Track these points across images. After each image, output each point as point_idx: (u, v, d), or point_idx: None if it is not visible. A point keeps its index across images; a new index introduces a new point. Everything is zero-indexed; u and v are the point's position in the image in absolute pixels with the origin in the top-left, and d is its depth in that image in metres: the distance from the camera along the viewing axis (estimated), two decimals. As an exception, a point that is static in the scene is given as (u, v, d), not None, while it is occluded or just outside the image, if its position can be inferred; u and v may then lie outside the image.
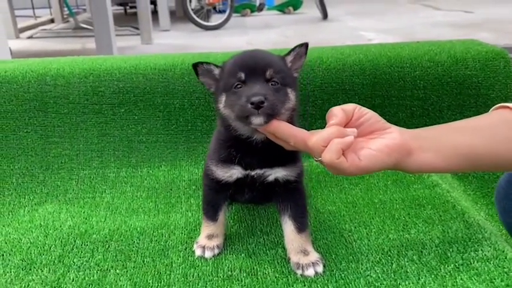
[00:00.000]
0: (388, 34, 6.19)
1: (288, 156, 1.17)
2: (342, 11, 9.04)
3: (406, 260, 1.16)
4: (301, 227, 1.18)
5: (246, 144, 1.13)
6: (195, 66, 1.14)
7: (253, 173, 1.16)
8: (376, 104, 1.74)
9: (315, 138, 0.99)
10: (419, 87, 1.74)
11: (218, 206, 1.25)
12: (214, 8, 8.43)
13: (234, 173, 1.17)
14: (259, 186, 1.18)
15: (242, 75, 1.05)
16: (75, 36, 7.19)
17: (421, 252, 1.19)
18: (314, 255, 1.16)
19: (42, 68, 1.71)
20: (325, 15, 8.18)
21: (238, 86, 1.06)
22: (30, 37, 7.20)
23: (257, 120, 1.00)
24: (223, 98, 1.09)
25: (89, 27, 7.25)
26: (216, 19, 7.80)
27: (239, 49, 1.29)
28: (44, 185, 1.62)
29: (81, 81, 1.69)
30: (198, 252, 1.24)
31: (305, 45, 1.13)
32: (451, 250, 1.19)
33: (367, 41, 5.87)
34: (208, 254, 1.23)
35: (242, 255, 1.23)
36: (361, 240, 1.26)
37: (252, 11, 9.24)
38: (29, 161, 1.67)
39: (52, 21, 8.68)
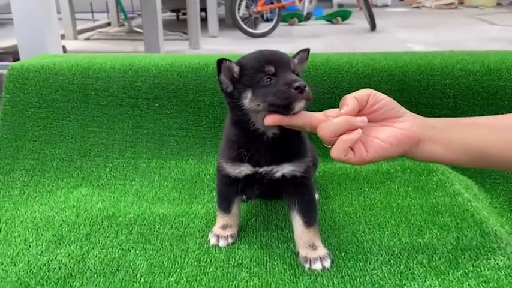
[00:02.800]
0: (437, 47, 6.04)
1: (296, 152, 1.21)
2: (391, 23, 8.91)
3: (415, 262, 1.16)
4: (309, 221, 1.21)
5: (256, 141, 1.18)
6: (220, 62, 1.15)
7: (261, 169, 1.21)
8: None
9: (324, 127, 1.02)
10: (449, 96, 1.73)
11: (231, 199, 1.31)
12: (262, 16, 8.56)
13: (243, 170, 1.23)
14: (267, 182, 1.22)
15: (272, 69, 1.09)
16: (128, 39, 7.50)
17: (432, 256, 1.19)
18: (322, 250, 1.19)
19: (87, 62, 1.84)
20: (373, 27, 8.10)
21: (267, 79, 1.09)
22: (87, 39, 7.59)
23: (299, 105, 1.04)
24: (248, 94, 1.11)
25: (141, 30, 7.53)
26: (263, 27, 7.91)
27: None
28: (81, 170, 1.74)
29: (120, 76, 1.81)
30: (212, 240, 1.30)
31: (307, 51, 1.19)
32: (462, 257, 1.18)
33: (413, 53, 5.75)
34: (222, 243, 1.28)
35: (255, 246, 1.28)
36: (373, 241, 1.27)
37: (300, 21, 9.28)
38: (69, 147, 1.79)
39: (109, 24, 9.11)
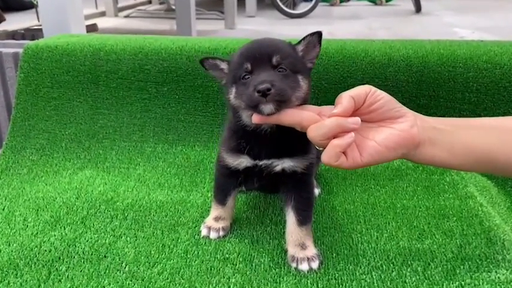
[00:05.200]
0: (486, 33, 5.69)
1: (298, 147, 1.15)
2: (439, 6, 8.49)
3: (409, 270, 1.10)
4: (302, 220, 1.16)
5: (255, 134, 1.13)
6: (202, 61, 1.15)
7: (261, 162, 1.16)
8: (421, 104, 1.63)
9: (314, 130, 0.95)
10: (472, 90, 1.60)
11: (227, 191, 1.27)
12: (303, -4, 8.37)
13: (243, 161, 1.18)
14: (267, 176, 1.17)
15: (248, 66, 1.04)
16: (166, 18, 7.54)
17: (428, 264, 1.11)
18: (311, 250, 1.14)
19: (99, 44, 1.83)
20: (418, 9, 7.75)
21: (246, 76, 1.05)
22: (127, 16, 7.69)
23: (267, 108, 0.98)
24: (233, 90, 1.09)
25: (179, 9, 7.54)
26: (302, 7, 7.73)
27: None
28: (88, 152, 1.75)
29: (130, 58, 1.79)
30: (203, 232, 1.27)
31: (317, 34, 1.07)
32: (461, 267, 1.10)
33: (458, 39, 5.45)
34: (213, 235, 1.26)
35: (245, 241, 1.25)
36: (369, 243, 1.21)
37: (342, 1, 9.02)
38: (78, 128, 1.81)
39: (150, 2, 9.19)
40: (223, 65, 1.14)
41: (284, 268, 1.13)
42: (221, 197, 1.28)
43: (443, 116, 1.62)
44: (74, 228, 1.31)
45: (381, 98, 0.97)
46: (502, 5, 8.57)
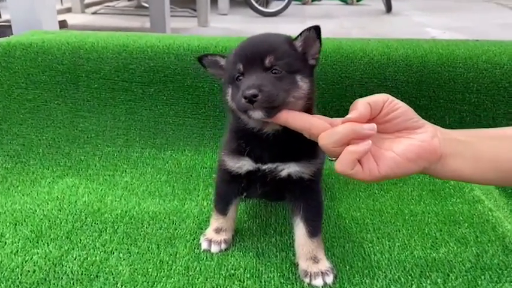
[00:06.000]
0: (456, 32, 5.79)
1: (304, 152, 1.07)
2: (408, 6, 8.62)
3: (428, 282, 1.04)
4: (313, 230, 1.08)
5: (257, 136, 1.04)
6: (200, 58, 1.08)
7: (264, 167, 1.07)
8: (421, 105, 1.58)
9: (325, 137, 0.88)
10: (472, 91, 1.57)
11: (229, 200, 1.18)
12: (275, -6, 8.31)
13: (244, 164, 1.09)
14: (271, 181, 1.09)
15: (240, 67, 0.97)
16: (135, 14, 7.33)
17: (448, 275, 1.06)
18: (325, 264, 1.06)
19: (78, 41, 1.70)
20: (389, 8, 7.83)
21: (239, 77, 0.98)
22: (94, 13, 7.43)
23: (255, 114, 0.91)
24: (229, 91, 1.02)
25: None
26: (274, 6, 7.68)
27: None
28: (68, 158, 1.62)
29: (113, 57, 1.67)
30: (204, 245, 1.18)
31: (314, 29, 0.98)
32: (482, 278, 1.04)
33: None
34: (214, 249, 1.16)
35: (250, 254, 1.16)
36: (382, 253, 1.14)
37: (313, 0, 9.03)
38: (57, 132, 1.67)
39: (118, -2, 8.93)
40: (223, 62, 1.06)
41: (297, 284, 1.05)
42: (222, 206, 1.19)
43: (443, 118, 1.60)
44: (59, 245, 1.18)
45: (398, 107, 0.91)
46: (465, 5, 8.80)
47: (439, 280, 1.04)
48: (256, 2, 7.28)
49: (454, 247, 1.16)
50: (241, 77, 0.97)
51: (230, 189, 1.17)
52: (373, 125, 0.87)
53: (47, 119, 1.68)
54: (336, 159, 0.89)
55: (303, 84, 0.97)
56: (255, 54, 0.95)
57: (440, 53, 1.59)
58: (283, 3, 7.45)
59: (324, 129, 0.90)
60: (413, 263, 1.10)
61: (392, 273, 1.07)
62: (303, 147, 1.05)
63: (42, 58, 1.68)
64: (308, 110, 0.98)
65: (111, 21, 6.65)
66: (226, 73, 1.03)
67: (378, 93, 0.94)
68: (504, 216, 1.33)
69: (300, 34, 0.99)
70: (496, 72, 1.55)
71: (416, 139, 0.90)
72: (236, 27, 6.49)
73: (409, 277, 1.05)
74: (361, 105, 0.89)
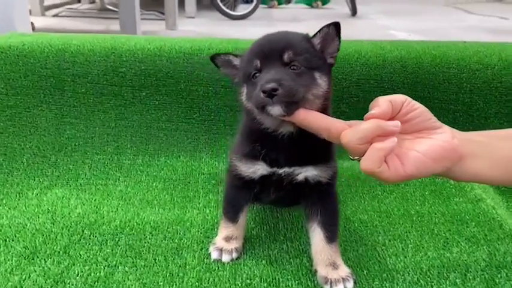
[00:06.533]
0: (421, 35, 5.95)
1: (321, 155, 1.04)
2: (372, 9, 8.80)
3: (447, 283, 1.03)
4: (331, 236, 1.06)
5: (272, 138, 1.01)
6: (213, 58, 1.06)
7: (280, 171, 1.03)
8: None
9: (349, 134, 0.86)
10: (466, 91, 1.59)
11: (240, 206, 1.14)
12: (242, -3, 8.29)
13: (258, 169, 1.05)
14: (287, 186, 1.06)
15: (257, 63, 0.94)
16: (99, 18, 7.11)
17: (465, 275, 1.06)
18: (344, 270, 1.04)
19: (62, 44, 1.61)
20: (354, 12, 7.96)
21: (256, 74, 0.95)
22: (55, 15, 7.16)
23: (274, 110, 0.88)
24: (244, 90, 0.99)
25: (114, 9, 7.19)
26: (242, 9, 7.65)
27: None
28: (56, 168, 1.52)
29: (101, 60, 1.59)
30: (214, 255, 1.13)
31: (334, 25, 0.96)
32: (499, 276, 1.05)
33: (397, 41, 5.65)
34: (225, 258, 1.12)
35: (263, 262, 1.12)
36: (397, 256, 1.13)
37: (280, 3, 9.06)
38: (41, 140, 1.57)
39: (78, 1, 8.67)
40: (237, 61, 1.04)
41: (317, 291, 1.02)
42: (232, 213, 1.14)
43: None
44: (57, 260, 1.11)
45: (417, 107, 0.89)
46: (426, 9, 9.10)
47: (457, 281, 1.04)
48: (224, 5, 7.24)
49: (466, 246, 1.17)
50: (257, 74, 0.94)
51: (241, 195, 1.13)
52: (398, 122, 0.85)
53: (30, 126, 1.58)
54: (358, 158, 0.87)
55: (321, 82, 0.95)
56: (273, 50, 0.93)
57: (433, 54, 1.61)
58: (251, 7, 7.43)
59: (343, 129, 0.88)
60: (429, 264, 1.10)
61: (411, 275, 1.06)
62: (318, 150, 1.03)
63: (23, 62, 1.58)
64: (324, 110, 0.96)
65: (74, 24, 6.43)
66: (241, 72, 1.00)
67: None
68: (505, 214, 1.35)
69: (319, 31, 0.97)
70: (488, 72, 1.58)
71: (438, 139, 0.89)
72: (205, 30, 6.42)
73: (428, 279, 1.05)
74: (382, 103, 0.87)
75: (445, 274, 1.06)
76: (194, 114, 1.62)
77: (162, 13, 6.73)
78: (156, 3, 7.78)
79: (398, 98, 0.89)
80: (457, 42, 1.75)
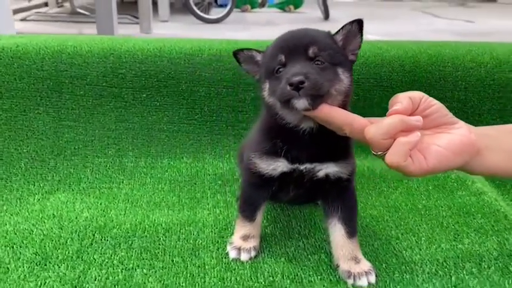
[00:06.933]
0: (394, 38, 6.10)
1: (340, 151, 1.05)
2: (344, 13, 8.94)
3: (465, 272, 1.06)
4: (351, 231, 1.07)
5: (293, 134, 1.01)
6: (236, 53, 1.06)
7: (302, 167, 1.04)
8: None
9: (373, 129, 0.87)
10: (461, 89, 1.65)
11: (257, 205, 1.14)
12: (216, 1, 8.29)
13: (279, 165, 1.05)
14: (307, 182, 1.06)
15: (282, 57, 0.95)
16: (71, 21, 6.95)
17: (480, 265, 1.09)
18: (366, 264, 1.05)
19: (58, 45, 1.57)
20: (326, 16, 8.08)
21: (280, 69, 0.95)
22: (23, 19, 6.96)
23: (300, 103, 0.89)
24: (266, 85, 0.99)
25: (85, 12, 7.06)
26: (215, 13, 7.64)
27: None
28: (56, 172, 1.48)
29: (100, 61, 1.56)
30: (232, 254, 1.12)
31: (357, 22, 0.97)
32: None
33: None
34: (244, 257, 1.11)
35: (282, 259, 1.12)
36: (412, 249, 1.16)
37: (253, 7, 9.10)
38: (39, 144, 1.52)
39: (46, 4, 8.45)
40: (259, 57, 1.04)
41: (340, 285, 1.03)
42: (250, 212, 1.14)
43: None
44: (71, 265, 1.07)
45: (434, 103, 0.93)
46: (395, 13, 9.34)
47: (473, 270, 1.07)
48: (198, 9, 7.21)
49: (476, 237, 1.20)
50: (281, 69, 0.95)
51: (259, 193, 1.13)
52: (419, 117, 0.88)
53: (26, 130, 1.53)
54: (381, 153, 0.89)
55: (344, 77, 0.96)
56: (298, 45, 0.94)
57: (429, 53, 1.65)
58: (226, 10, 7.43)
59: (366, 125, 0.89)
60: (444, 255, 1.13)
61: (429, 267, 1.08)
62: (338, 146, 1.04)
63: (18, 64, 1.53)
64: (344, 106, 0.97)
65: (44, 28, 6.26)
66: (264, 67, 1.00)
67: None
68: (508, 206, 1.40)
69: (342, 28, 0.98)
70: (481, 70, 1.64)
71: (456, 133, 0.92)
72: (181, 33, 6.37)
73: (446, 269, 1.07)
74: (403, 99, 0.90)
75: (460, 264, 1.09)
76: (196, 115, 1.61)
77: (135, 17, 6.65)
78: (129, 6, 7.69)
79: (417, 94, 0.92)
80: (449, 42, 1.81)
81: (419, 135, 0.87)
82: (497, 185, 1.57)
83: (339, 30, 0.98)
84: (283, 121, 1.00)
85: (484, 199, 1.38)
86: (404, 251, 1.15)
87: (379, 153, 0.90)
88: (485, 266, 1.08)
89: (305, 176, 1.05)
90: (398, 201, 1.38)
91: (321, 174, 1.04)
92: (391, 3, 11.58)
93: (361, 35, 0.99)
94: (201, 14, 7.20)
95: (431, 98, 0.93)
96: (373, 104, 1.62)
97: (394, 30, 6.81)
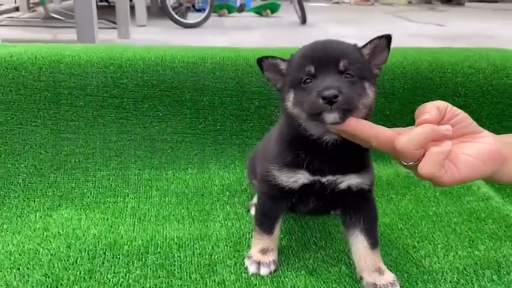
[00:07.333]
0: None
1: (361, 162, 1.05)
2: (320, 18, 9.04)
3: (486, 280, 1.06)
4: (374, 242, 1.06)
5: (316, 146, 1.00)
6: (260, 60, 1.03)
7: (324, 179, 1.03)
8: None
9: (404, 139, 0.87)
10: (461, 95, 1.67)
11: (276, 217, 1.12)
12: (193, 6, 8.24)
13: (300, 178, 1.03)
14: (329, 194, 1.05)
15: (312, 68, 0.93)
16: (45, 26, 6.78)
17: (499, 271, 1.10)
18: (390, 275, 1.04)
19: (55, 55, 1.51)
20: (304, 20, 8.14)
21: (308, 80, 0.93)
22: (-5, 24, 6.75)
23: (330, 117, 0.88)
24: (291, 96, 0.97)
25: (60, 17, 6.90)
26: (192, 17, 7.59)
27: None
28: (56, 187, 1.42)
29: (100, 71, 1.51)
30: (252, 268, 1.09)
31: (386, 38, 0.98)
32: (530, 270, 1.10)
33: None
34: (264, 271, 1.09)
35: (302, 272, 1.10)
36: (430, 257, 1.16)
37: (230, 12, 9.09)
38: (38, 158, 1.46)
39: (17, 9, 8.25)
40: (283, 65, 1.01)
41: (366, 298, 1.02)
42: (268, 225, 1.11)
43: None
44: (86, 287, 1.03)
45: (458, 113, 0.93)
46: (368, 17, 9.51)
47: (494, 277, 1.07)
48: (176, 14, 7.14)
49: (490, 243, 1.21)
50: (309, 80, 0.93)
51: (278, 206, 1.11)
52: (449, 126, 0.89)
53: (24, 143, 1.46)
54: (413, 164, 0.89)
55: (370, 92, 0.96)
56: (329, 57, 0.93)
57: (429, 59, 1.67)
58: (203, 15, 7.39)
59: (392, 137, 0.89)
60: (464, 263, 1.13)
61: (450, 276, 1.08)
62: (359, 157, 1.04)
63: (13, 74, 1.47)
64: (366, 119, 0.97)
65: (17, 34, 6.09)
66: (289, 77, 0.98)
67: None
68: (512, 210, 1.42)
69: (369, 42, 0.97)
70: (480, 76, 1.67)
71: (484, 142, 0.92)
72: (160, 38, 6.30)
73: (467, 277, 1.07)
74: (431, 108, 0.90)
75: (480, 272, 1.09)
76: (200, 125, 1.58)
77: (112, 21, 6.54)
78: (104, 11, 7.54)
79: (442, 104, 0.92)
80: (444, 48, 1.83)
81: (451, 144, 0.87)
82: (497, 189, 1.60)
83: (366, 44, 0.98)
84: (306, 133, 0.99)
85: (492, 204, 1.40)
86: (423, 260, 1.15)
87: (410, 163, 0.89)
88: (505, 273, 1.09)
89: (327, 187, 1.03)
90: (408, 209, 1.38)
91: (343, 186, 1.03)
92: (363, 8, 11.80)
93: (388, 51, 0.99)
94: (179, 18, 7.15)
95: (455, 108, 0.94)
96: (376, 111, 1.61)
97: (371, 34, 6.87)
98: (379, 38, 0.97)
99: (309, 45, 0.98)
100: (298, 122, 0.98)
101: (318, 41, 0.99)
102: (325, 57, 0.93)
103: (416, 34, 7.03)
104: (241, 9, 9.00)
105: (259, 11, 9.33)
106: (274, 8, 9.30)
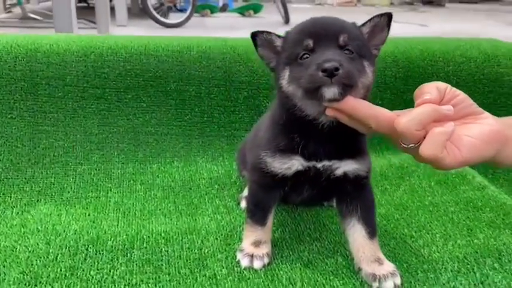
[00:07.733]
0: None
1: (357, 147, 1.00)
2: (303, 18, 8.96)
3: (488, 268, 1.03)
4: (372, 231, 1.01)
5: (311, 128, 0.94)
6: (254, 35, 0.97)
7: (319, 165, 0.97)
8: (408, 99, 1.56)
9: (405, 119, 0.82)
10: (452, 84, 1.57)
11: (268, 208, 1.06)
12: (175, 6, 8.14)
13: (294, 164, 0.98)
14: (324, 182, 1.00)
15: (310, 43, 0.88)
16: (22, 27, 6.62)
17: (500, 259, 1.06)
18: (389, 265, 1.00)
19: (32, 43, 1.43)
20: (287, 20, 8.12)
21: (305, 56, 0.89)
22: (-30, 26, 6.56)
23: (330, 92, 0.83)
24: (286, 73, 0.92)
25: (37, 17, 6.75)
26: (174, 17, 7.50)
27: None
28: (34, 182, 1.34)
29: (79, 60, 1.44)
30: (244, 262, 1.03)
31: (387, 16, 0.93)
32: (531, 256, 1.07)
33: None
34: (257, 264, 1.03)
35: (297, 264, 1.05)
36: (429, 247, 1.11)
37: (212, 12, 9.02)
38: (14, 152, 1.38)
39: (-7, 9, 8.04)
40: (279, 42, 0.96)
41: (365, 289, 0.97)
42: (260, 215, 1.06)
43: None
44: (66, 284, 0.96)
45: (458, 93, 0.90)
46: (353, 17, 9.37)
47: (495, 265, 1.04)
48: (158, 14, 7.05)
49: (489, 232, 1.18)
50: (307, 55, 0.88)
51: (270, 195, 1.05)
52: (450, 107, 0.86)
53: (-1, 137, 1.38)
54: (413, 146, 0.85)
55: (369, 71, 0.91)
56: (329, 31, 0.88)
57: (420, 48, 1.65)
58: (185, 15, 7.31)
59: (392, 118, 0.85)
60: (463, 252, 1.09)
61: (450, 265, 1.04)
62: (355, 142, 0.99)
63: (-14, 64, 1.38)
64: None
65: (-5, 34, 5.92)
66: (285, 53, 0.93)
67: None
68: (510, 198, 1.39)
69: (369, 20, 0.93)
70: (471, 65, 1.65)
71: (485, 123, 0.89)
72: (142, 38, 6.20)
73: (468, 266, 1.03)
74: (431, 89, 0.87)
75: (481, 260, 1.06)
76: (186, 116, 1.52)
77: (91, 21, 6.41)
78: (82, 11, 7.41)
79: (441, 84, 0.89)
80: (436, 37, 1.81)
81: (453, 124, 0.84)
82: (490, 179, 1.57)
83: (366, 22, 0.94)
84: (302, 113, 0.93)
85: (488, 193, 1.37)
86: (422, 249, 1.11)
87: (411, 145, 0.85)
88: (506, 261, 1.06)
89: (322, 174, 0.98)
90: (404, 199, 1.34)
91: (339, 172, 0.98)
92: (346, 9, 11.85)
93: (388, 30, 0.94)
94: (161, 18, 7.05)
95: (455, 89, 0.90)
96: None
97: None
98: (380, 16, 0.93)
99: (306, 21, 0.93)
100: (293, 102, 0.93)
101: (315, 17, 0.94)
102: (324, 32, 0.88)
103: (402, 34, 7.08)
104: (223, 9, 8.95)
105: (242, 11, 9.29)
106: (257, 8, 9.26)
